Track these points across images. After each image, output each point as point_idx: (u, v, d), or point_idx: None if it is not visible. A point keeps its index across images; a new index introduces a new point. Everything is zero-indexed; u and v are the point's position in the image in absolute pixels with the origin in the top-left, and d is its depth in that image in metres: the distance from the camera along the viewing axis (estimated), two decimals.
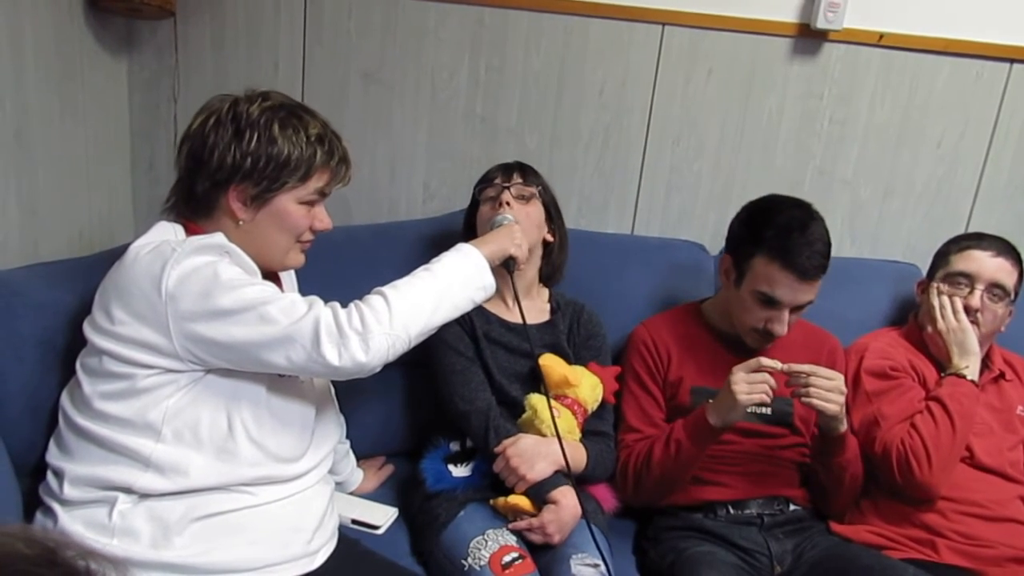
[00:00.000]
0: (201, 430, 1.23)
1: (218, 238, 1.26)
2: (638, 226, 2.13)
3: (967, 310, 1.68)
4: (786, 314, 1.57)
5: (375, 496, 1.68)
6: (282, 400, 1.31)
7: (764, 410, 1.61)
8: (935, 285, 1.73)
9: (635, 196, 2.11)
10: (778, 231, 1.55)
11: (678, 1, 1.96)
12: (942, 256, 1.77)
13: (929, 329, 1.72)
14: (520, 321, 1.50)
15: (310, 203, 1.32)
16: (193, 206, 1.31)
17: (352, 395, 1.64)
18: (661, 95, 2.03)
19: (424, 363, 1.64)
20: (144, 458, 1.20)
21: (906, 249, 2.10)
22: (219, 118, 1.27)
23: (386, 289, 1.26)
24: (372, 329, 1.19)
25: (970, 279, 1.70)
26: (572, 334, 1.75)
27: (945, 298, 1.70)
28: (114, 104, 1.96)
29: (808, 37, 1.96)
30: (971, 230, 2.06)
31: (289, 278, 1.52)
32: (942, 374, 1.68)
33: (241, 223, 1.29)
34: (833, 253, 2.06)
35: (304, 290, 1.52)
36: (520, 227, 1.57)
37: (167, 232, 1.29)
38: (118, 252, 1.26)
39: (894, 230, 2.11)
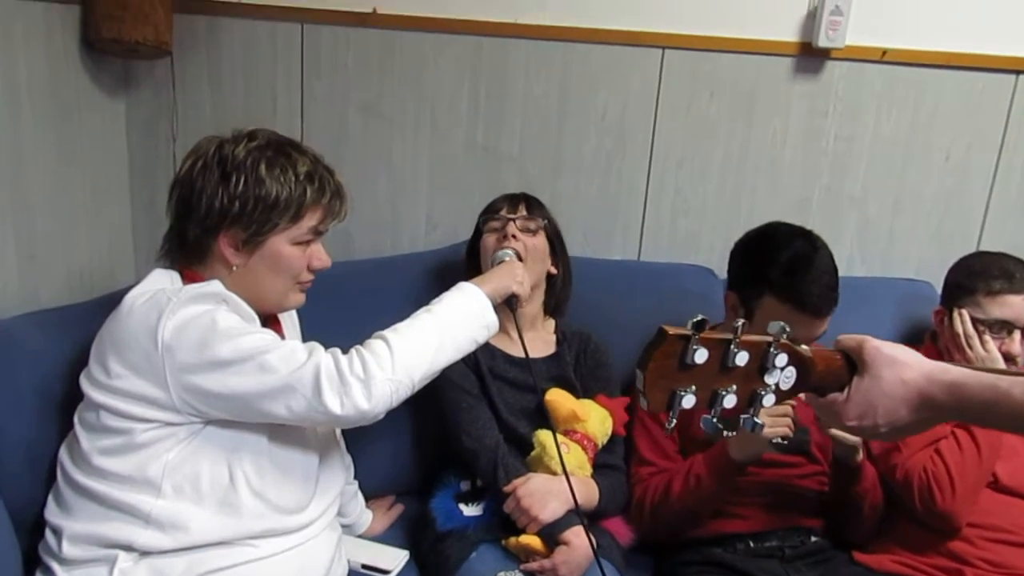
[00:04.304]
0: (202, 484, 1.21)
1: (215, 286, 1.24)
2: (644, 251, 2.10)
3: (1009, 358, 1.62)
4: None
5: (385, 537, 1.65)
6: (284, 449, 1.29)
7: (781, 439, 1.58)
8: (959, 312, 1.67)
9: (640, 221, 2.08)
10: (784, 271, 1.50)
11: (678, 24, 1.94)
12: (967, 292, 1.67)
13: (956, 357, 1.66)
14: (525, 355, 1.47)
15: (305, 243, 1.30)
16: (187, 252, 1.29)
17: (359, 433, 1.60)
18: (663, 118, 2.01)
19: (432, 398, 1.61)
20: (144, 515, 1.18)
21: (919, 266, 2.06)
22: (206, 161, 1.26)
23: (387, 333, 1.23)
24: (374, 375, 1.16)
25: (1009, 325, 1.63)
26: (579, 365, 1.73)
27: (970, 327, 1.64)
28: (112, 144, 1.96)
29: (810, 55, 1.94)
30: (984, 243, 2.05)
31: (291, 318, 1.50)
32: None
33: (235, 268, 1.27)
34: (844, 272, 2.02)
35: (307, 328, 1.50)
36: (522, 263, 1.55)
37: (163, 280, 1.27)
38: (117, 296, 1.25)
39: (905, 247, 2.08)
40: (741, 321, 0.84)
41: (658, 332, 0.83)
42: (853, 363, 0.89)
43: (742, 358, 0.84)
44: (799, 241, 1.55)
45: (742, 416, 0.88)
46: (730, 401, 0.86)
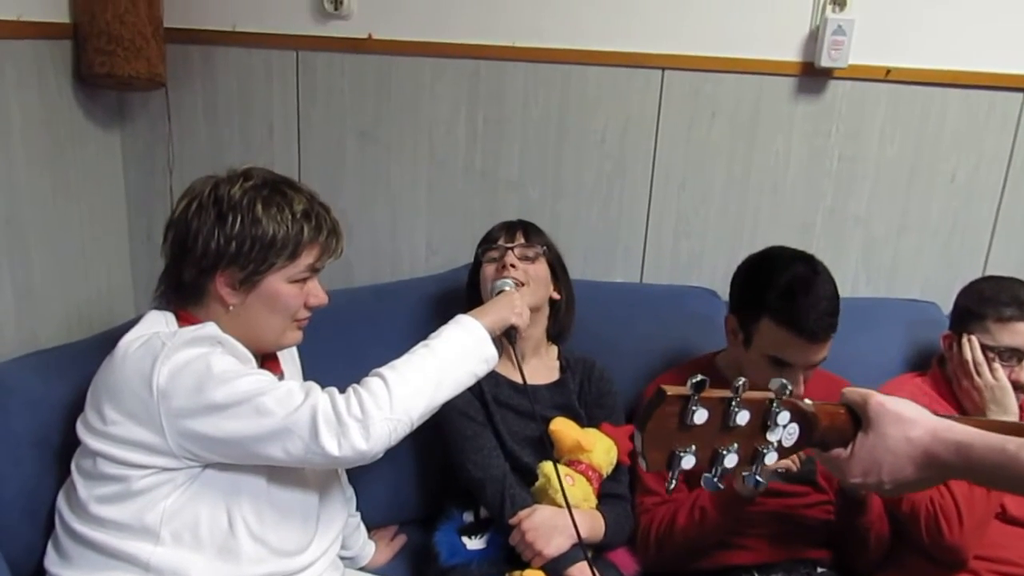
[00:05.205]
0: (201, 530, 1.20)
1: (209, 329, 1.23)
2: (647, 274, 2.08)
3: (1018, 386, 1.59)
4: (800, 375, 1.51)
5: (388, 570, 1.64)
6: (283, 490, 1.28)
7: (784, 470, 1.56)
8: (968, 339, 1.64)
9: (642, 243, 2.06)
10: (781, 294, 1.49)
11: (678, 45, 1.92)
12: (977, 318, 1.65)
13: (964, 383, 1.64)
14: (529, 384, 1.46)
15: (302, 280, 1.28)
16: (182, 294, 1.28)
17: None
18: (664, 140, 1.99)
19: (434, 426, 1.60)
20: (143, 563, 1.18)
21: (924, 286, 2.04)
22: (201, 202, 1.24)
23: (385, 370, 1.22)
24: (372, 415, 1.15)
25: (1019, 353, 1.61)
26: (583, 392, 1.71)
27: (979, 354, 1.61)
28: (108, 177, 1.95)
29: (813, 76, 1.92)
30: (991, 264, 2.02)
31: (290, 352, 1.49)
32: None
33: (232, 308, 1.26)
34: (848, 293, 2.02)
35: (307, 357, 1.49)
36: (521, 293, 1.54)
37: (158, 322, 1.26)
38: (116, 333, 1.24)
39: (911, 267, 2.05)
40: (742, 380, 0.82)
41: (657, 392, 0.81)
42: (858, 418, 0.88)
43: (743, 417, 0.83)
44: (799, 265, 1.54)
45: (743, 474, 0.87)
46: (731, 460, 0.84)
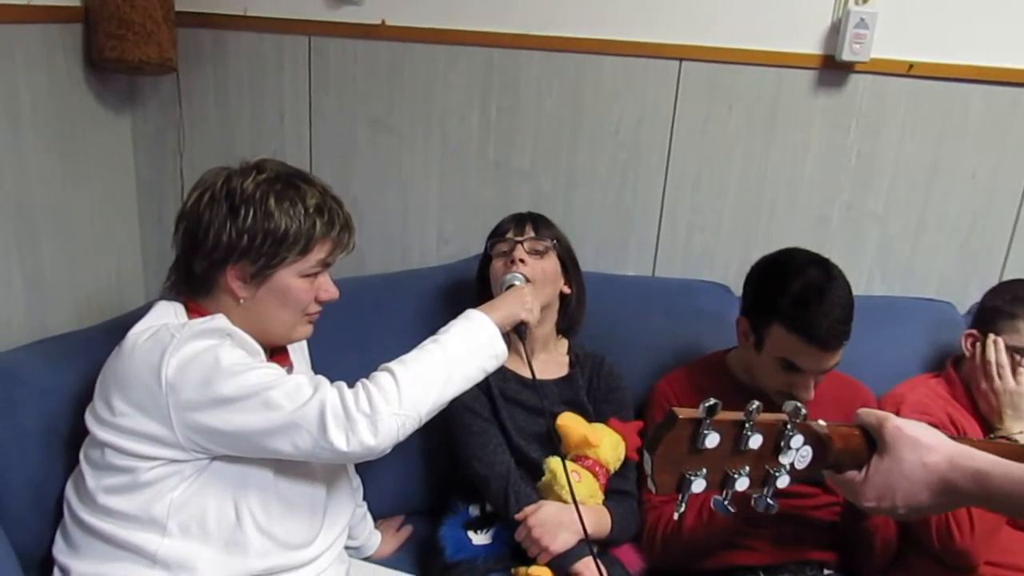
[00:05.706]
0: (208, 522, 1.20)
1: (219, 321, 1.22)
2: (659, 267, 2.06)
3: None
4: (811, 380, 1.49)
5: (393, 561, 1.64)
6: (291, 483, 1.28)
7: None
8: (994, 340, 1.62)
9: (655, 236, 2.04)
10: (794, 300, 1.46)
11: (696, 35, 1.88)
12: (1006, 317, 1.62)
13: (983, 385, 1.62)
14: (537, 379, 1.45)
15: (313, 275, 1.28)
16: (193, 285, 1.27)
17: None
18: (680, 132, 1.96)
19: (442, 418, 1.59)
20: (150, 554, 1.18)
21: (940, 285, 2.01)
22: (213, 194, 1.23)
23: (394, 365, 1.21)
24: (381, 410, 1.14)
25: None
26: (592, 388, 1.70)
27: (1004, 356, 1.59)
28: (119, 162, 1.94)
29: (833, 69, 1.88)
30: (1010, 264, 1.98)
31: (300, 345, 1.48)
32: (991, 436, 1.59)
33: (242, 301, 1.25)
34: (863, 291, 1.99)
35: (317, 345, 1.48)
36: (531, 288, 1.52)
37: (167, 313, 1.26)
38: (126, 321, 1.23)
39: (927, 266, 2.02)
40: (756, 404, 0.81)
41: (668, 415, 0.81)
42: (872, 441, 0.86)
43: (756, 441, 0.82)
44: (813, 270, 1.50)
45: (754, 496, 0.85)
46: (742, 484, 0.84)
